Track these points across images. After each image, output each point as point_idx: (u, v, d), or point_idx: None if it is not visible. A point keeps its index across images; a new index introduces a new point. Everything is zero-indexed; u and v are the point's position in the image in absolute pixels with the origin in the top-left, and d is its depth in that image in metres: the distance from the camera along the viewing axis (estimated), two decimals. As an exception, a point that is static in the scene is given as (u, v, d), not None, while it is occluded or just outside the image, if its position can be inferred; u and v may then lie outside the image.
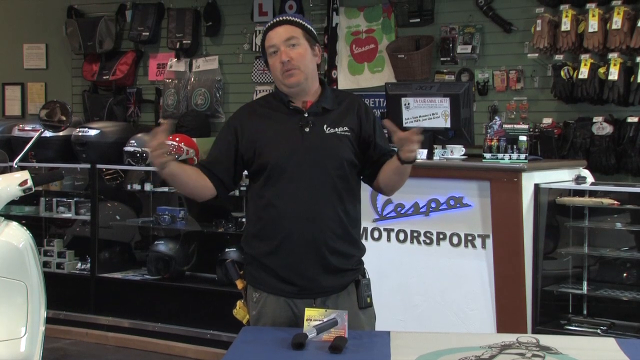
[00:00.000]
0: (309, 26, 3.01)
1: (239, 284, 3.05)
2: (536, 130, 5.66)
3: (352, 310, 2.92)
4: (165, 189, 6.59)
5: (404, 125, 4.98)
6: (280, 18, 3.00)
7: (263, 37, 3.01)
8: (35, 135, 4.19)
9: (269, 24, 3.00)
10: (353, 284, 3.00)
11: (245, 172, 3.06)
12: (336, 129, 2.95)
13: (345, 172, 2.96)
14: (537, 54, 5.86)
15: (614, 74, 5.41)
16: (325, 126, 2.95)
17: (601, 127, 5.57)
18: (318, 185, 2.91)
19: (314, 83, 3.01)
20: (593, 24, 5.49)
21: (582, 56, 5.58)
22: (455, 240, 4.73)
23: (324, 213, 2.91)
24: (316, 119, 2.95)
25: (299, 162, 2.90)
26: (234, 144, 2.98)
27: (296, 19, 3.00)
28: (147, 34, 7.51)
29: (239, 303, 3.05)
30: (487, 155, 4.70)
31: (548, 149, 5.60)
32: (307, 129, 2.93)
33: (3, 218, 3.74)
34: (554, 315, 4.79)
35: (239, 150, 2.97)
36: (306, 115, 2.96)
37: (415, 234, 4.84)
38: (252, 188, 3.02)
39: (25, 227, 3.79)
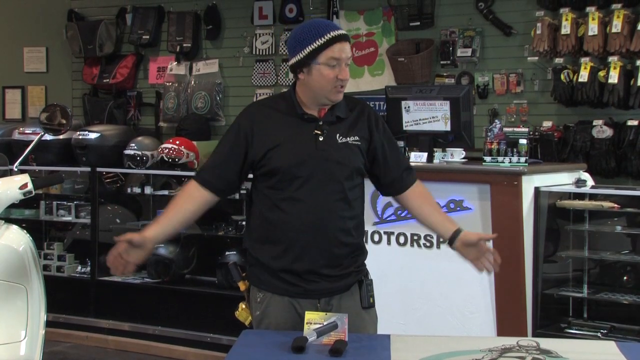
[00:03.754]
0: None
1: (242, 286, 3.05)
2: (536, 133, 5.66)
3: (356, 310, 2.96)
4: (166, 192, 6.59)
5: (404, 128, 4.99)
6: (345, 33, 2.94)
7: (324, 43, 2.86)
8: (36, 138, 4.18)
9: (336, 33, 2.88)
10: (356, 284, 3.02)
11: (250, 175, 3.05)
12: (348, 139, 2.96)
13: (354, 181, 2.98)
14: (537, 57, 5.87)
15: (613, 77, 5.42)
16: (337, 135, 2.95)
17: (601, 130, 5.57)
18: (327, 193, 2.91)
19: None
20: (593, 28, 5.49)
21: (582, 59, 5.58)
22: (455, 243, 4.72)
23: (332, 221, 2.92)
24: (330, 128, 2.95)
25: (311, 170, 2.90)
26: (243, 150, 2.94)
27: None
28: (148, 37, 7.52)
29: (241, 305, 3.06)
30: (487, 159, 4.71)
31: (548, 152, 5.60)
32: (321, 138, 2.93)
33: (3, 221, 3.73)
34: (554, 318, 4.79)
35: (248, 155, 2.94)
36: (321, 123, 2.95)
37: (415, 237, 4.83)
38: (258, 189, 2.99)
39: (25, 231, 3.78)
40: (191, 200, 2.98)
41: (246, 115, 3.01)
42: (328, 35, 2.87)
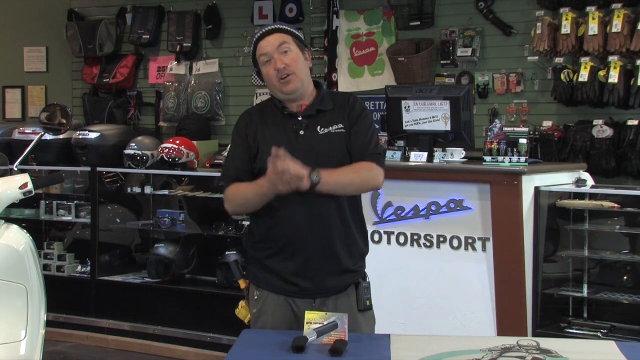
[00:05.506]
0: (297, 32, 3.04)
1: (242, 284, 3.08)
2: (536, 133, 5.66)
3: (351, 313, 2.93)
4: (165, 191, 6.59)
5: (404, 127, 5.00)
6: (269, 27, 3.02)
7: (254, 48, 3.02)
8: (36, 138, 4.18)
9: (258, 34, 3.01)
10: (353, 286, 3.01)
11: None
12: (330, 128, 2.96)
13: None
14: (537, 57, 5.87)
15: (613, 77, 5.42)
16: (318, 127, 2.96)
17: (601, 130, 5.57)
18: None
19: (309, 86, 3.03)
20: (593, 27, 5.49)
21: (582, 59, 5.58)
22: (455, 243, 4.73)
23: (326, 215, 2.92)
24: (310, 121, 2.97)
25: None
26: (247, 144, 2.99)
27: (283, 26, 3.03)
28: (148, 36, 7.51)
29: (241, 303, 3.09)
30: (487, 158, 4.71)
31: (548, 151, 5.60)
32: (301, 132, 2.95)
33: (3, 221, 3.73)
34: (554, 318, 4.79)
35: (251, 150, 2.99)
36: (300, 118, 2.97)
37: (415, 237, 4.83)
38: None
39: (25, 230, 3.79)
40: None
41: (241, 122, 3.08)
42: (254, 39, 3.03)
